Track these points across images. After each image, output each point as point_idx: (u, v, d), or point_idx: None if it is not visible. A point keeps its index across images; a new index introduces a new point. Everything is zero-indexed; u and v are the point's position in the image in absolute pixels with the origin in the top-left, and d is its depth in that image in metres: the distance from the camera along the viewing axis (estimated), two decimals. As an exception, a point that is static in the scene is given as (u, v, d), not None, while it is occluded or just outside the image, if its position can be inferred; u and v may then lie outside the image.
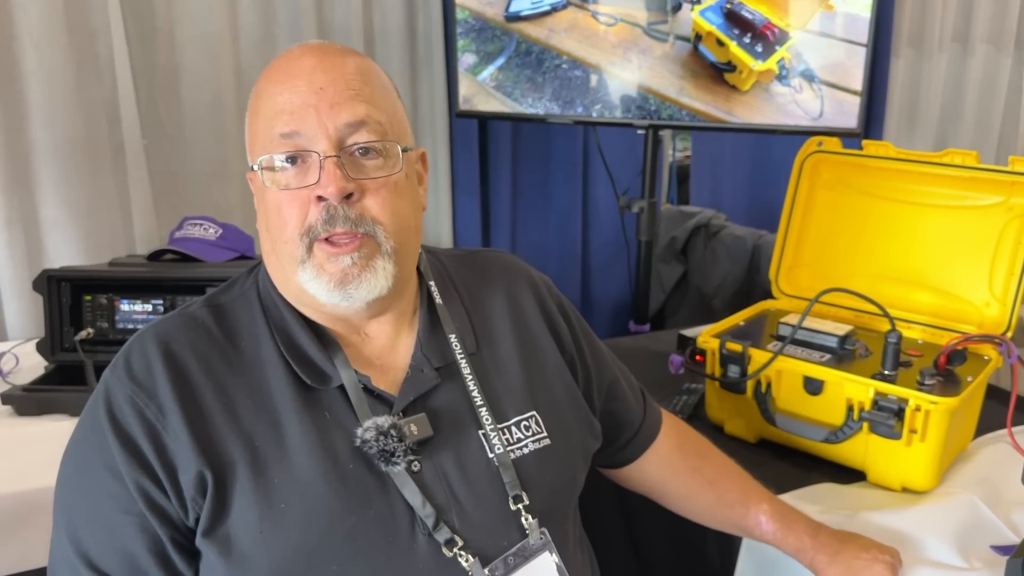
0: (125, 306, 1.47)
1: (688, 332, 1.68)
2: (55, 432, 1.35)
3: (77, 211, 1.80)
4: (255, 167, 0.83)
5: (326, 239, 0.80)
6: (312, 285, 0.81)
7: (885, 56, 2.53)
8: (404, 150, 0.84)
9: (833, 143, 1.44)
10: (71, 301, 1.45)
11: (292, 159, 0.80)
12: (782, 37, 1.90)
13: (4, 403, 1.40)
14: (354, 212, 0.80)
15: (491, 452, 0.85)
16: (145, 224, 1.89)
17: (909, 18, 2.63)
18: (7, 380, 1.51)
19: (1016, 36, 2.86)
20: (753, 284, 2.33)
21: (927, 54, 2.71)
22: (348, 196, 0.80)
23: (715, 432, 1.36)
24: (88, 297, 1.46)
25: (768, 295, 1.51)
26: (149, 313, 1.47)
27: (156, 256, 1.56)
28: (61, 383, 1.45)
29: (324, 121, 0.80)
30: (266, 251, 0.86)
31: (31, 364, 1.56)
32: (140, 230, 1.89)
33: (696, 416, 1.43)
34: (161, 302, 1.46)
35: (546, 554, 0.85)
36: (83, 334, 1.44)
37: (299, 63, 0.82)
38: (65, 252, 1.79)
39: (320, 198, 0.79)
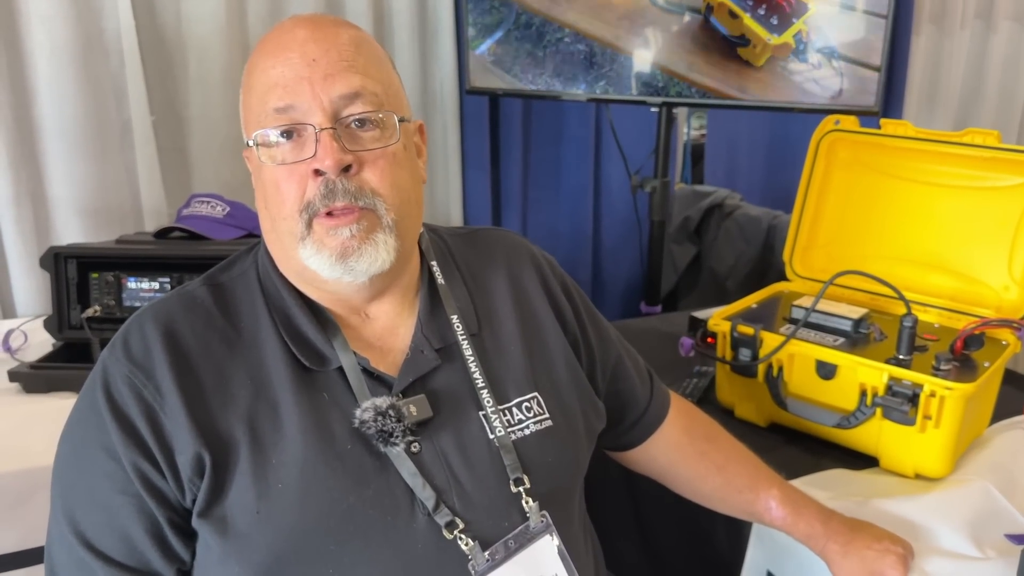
0: (132, 284, 1.46)
1: (699, 314, 1.66)
2: (62, 409, 1.32)
3: (85, 188, 1.79)
4: (250, 143, 0.81)
5: (326, 213, 0.78)
6: (313, 261, 0.79)
7: (906, 33, 2.47)
8: (401, 120, 0.82)
9: (850, 122, 1.41)
10: (78, 278, 1.45)
11: (287, 133, 0.79)
12: (800, 9, 1.84)
13: (12, 380, 1.40)
14: (353, 185, 0.78)
15: (492, 434, 0.84)
16: (153, 201, 1.88)
17: (931, -7, 2.58)
18: (15, 357, 1.51)
19: (1042, 13, 2.79)
20: (768, 265, 2.30)
21: (949, 31, 2.65)
22: (346, 169, 0.78)
23: (725, 416, 1.35)
24: (95, 274, 1.46)
25: (783, 277, 1.49)
26: (156, 291, 1.47)
27: (163, 234, 1.56)
28: (68, 360, 1.45)
29: (318, 93, 0.78)
30: (266, 229, 0.84)
31: (39, 341, 1.56)
32: (148, 207, 1.88)
33: (706, 399, 1.41)
34: (168, 280, 1.46)
35: (547, 537, 0.84)
36: (90, 311, 1.44)
37: (291, 35, 0.80)
38: (73, 229, 1.79)
39: (318, 172, 0.78)
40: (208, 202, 1.63)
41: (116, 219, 1.83)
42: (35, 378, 1.39)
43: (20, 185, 1.73)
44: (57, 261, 1.44)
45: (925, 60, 2.65)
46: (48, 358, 1.45)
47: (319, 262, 0.79)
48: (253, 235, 1.59)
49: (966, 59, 2.74)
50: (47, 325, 1.46)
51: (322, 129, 0.77)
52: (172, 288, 1.45)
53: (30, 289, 1.77)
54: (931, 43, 2.65)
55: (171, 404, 0.77)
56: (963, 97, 2.79)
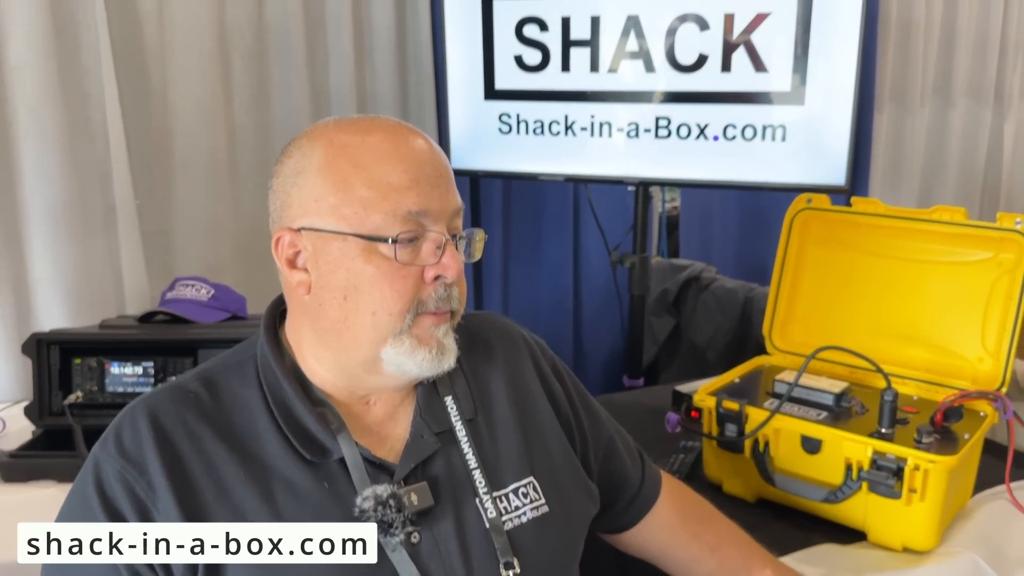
0: (115, 369, 1.45)
1: (683, 388, 1.67)
2: (43, 499, 1.32)
3: (68, 272, 1.79)
4: (345, 232, 0.80)
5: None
6: (405, 358, 0.82)
7: (869, 110, 2.57)
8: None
9: (822, 200, 1.45)
10: (60, 364, 1.43)
11: (411, 237, 0.81)
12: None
13: (-9, 470, 1.37)
14: (456, 293, 0.85)
15: (487, 521, 0.84)
16: (136, 285, 1.89)
17: (891, 71, 2.68)
18: (-7, 446, 1.48)
19: (995, 89, 2.92)
20: (746, 336, 2.33)
21: (910, 107, 2.76)
22: None
23: (713, 491, 1.35)
24: (78, 360, 1.44)
25: (761, 347, 1.51)
26: (139, 375, 1.45)
27: (147, 318, 1.55)
28: (49, 448, 1.42)
29: (445, 205, 0.83)
30: (330, 318, 0.82)
31: (19, 428, 1.53)
32: (131, 291, 1.88)
33: (694, 475, 1.41)
34: (151, 364, 1.45)
35: None
36: (72, 398, 1.42)
37: (414, 144, 0.83)
38: (55, 313, 1.78)
39: (438, 277, 0.82)
40: (192, 285, 1.63)
41: (99, 303, 1.82)
42: (15, 467, 1.37)
43: (2, 270, 1.72)
44: (40, 347, 1.42)
45: (888, 136, 2.75)
46: (28, 446, 1.43)
47: (412, 360, 0.82)
48: (238, 317, 1.59)
49: (927, 135, 2.84)
50: (28, 412, 1.44)
51: (448, 239, 0.82)
52: (156, 372, 1.44)
53: (10, 374, 1.75)
54: (893, 120, 2.75)
55: (163, 500, 0.76)
56: (925, 171, 2.88)
